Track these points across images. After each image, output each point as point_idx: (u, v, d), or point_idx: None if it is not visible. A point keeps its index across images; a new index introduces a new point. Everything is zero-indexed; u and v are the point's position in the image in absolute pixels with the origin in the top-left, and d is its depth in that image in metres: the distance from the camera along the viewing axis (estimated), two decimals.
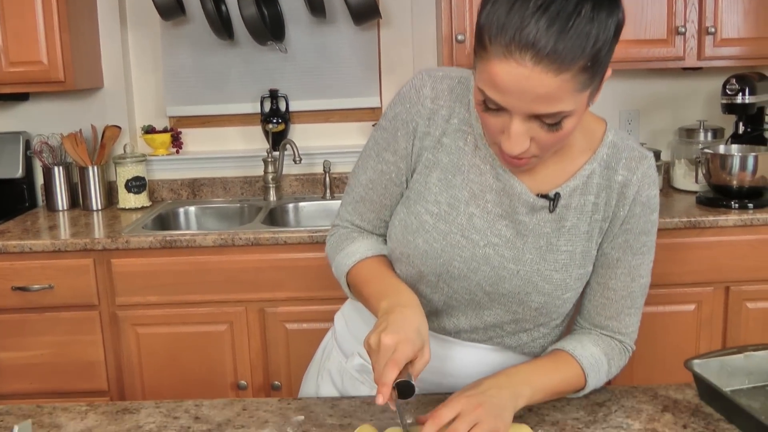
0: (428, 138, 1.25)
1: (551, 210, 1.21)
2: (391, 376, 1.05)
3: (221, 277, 2.60)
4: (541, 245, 1.22)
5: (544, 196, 1.20)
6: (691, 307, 2.65)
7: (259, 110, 3.21)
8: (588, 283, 1.30)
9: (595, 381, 1.26)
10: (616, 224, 1.24)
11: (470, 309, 1.29)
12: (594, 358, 1.25)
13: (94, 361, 2.66)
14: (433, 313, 1.31)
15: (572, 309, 1.32)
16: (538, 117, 1.04)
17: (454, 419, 1.08)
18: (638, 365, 2.60)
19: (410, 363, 1.09)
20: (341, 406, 1.32)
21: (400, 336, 1.07)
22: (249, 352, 2.65)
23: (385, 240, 1.36)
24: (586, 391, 1.27)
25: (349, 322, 1.46)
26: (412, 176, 1.28)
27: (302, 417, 1.28)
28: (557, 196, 1.20)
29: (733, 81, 2.80)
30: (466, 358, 1.33)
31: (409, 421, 1.23)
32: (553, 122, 1.04)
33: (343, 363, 1.46)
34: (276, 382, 2.66)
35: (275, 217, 3.01)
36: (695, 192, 2.87)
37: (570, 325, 1.36)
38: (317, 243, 2.56)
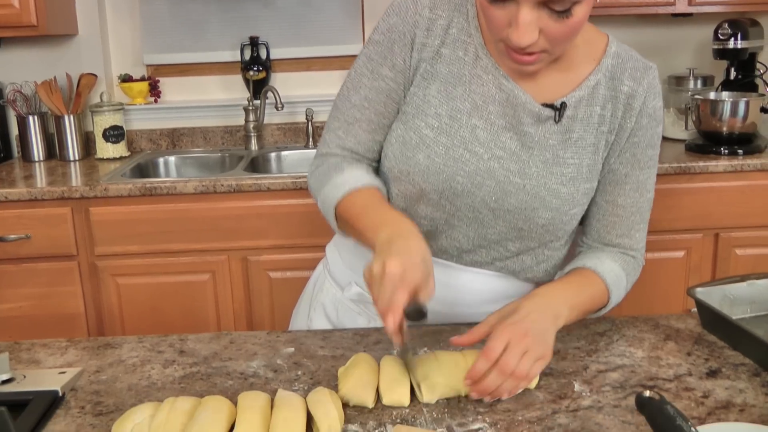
0: (426, 49, 1.19)
1: (557, 120, 1.15)
2: (402, 299, 0.99)
3: (203, 225, 2.53)
4: (548, 158, 1.17)
5: (550, 106, 1.15)
6: (681, 253, 2.63)
7: (239, 58, 3.12)
8: (594, 201, 1.25)
9: (616, 297, 1.23)
10: (623, 137, 1.19)
11: (473, 228, 1.24)
12: (615, 273, 1.22)
13: (74, 314, 2.59)
14: (433, 234, 1.26)
15: (575, 229, 1.28)
16: (546, 4, 0.99)
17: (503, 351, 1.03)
18: (627, 312, 2.57)
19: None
20: (333, 338, 1.27)
21: (406, 262, 1.01)
22: (232, 301, 2.60)
23: (376, 170, 1.30)
24: (608, 308, 1.23)
25: (344, 252, 1.41)
26: (409, 90, 1.22)
27: (292, 349, 1.23)
28: (563, 105, 1.15)
29: (726, 26, 2.75)
30: (470, 285, 1.28)
31: (423, 349, 1.17)
32: (563, 9, 0.99)
33: (338, 294, 1.41)
34: None
35: (257, 166, 2.95)
36: (684, 140, 2.84)
37: (572, 250, 1.32)
38: (301, 189, 2.50)
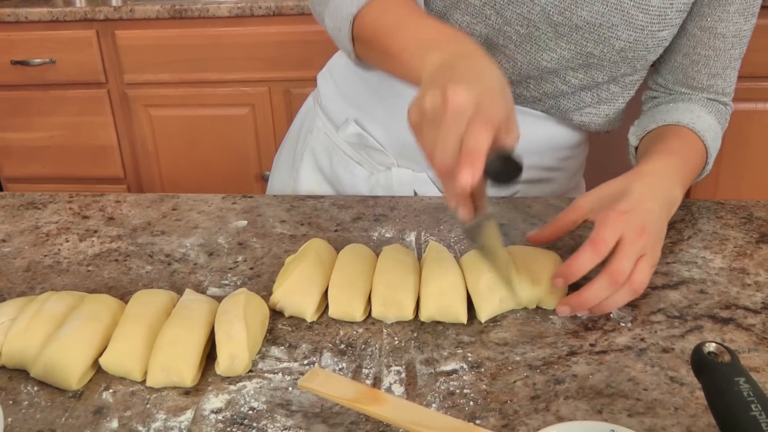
0: None
1: None
2: (486, 140, 0.62)
3: (240, 53, 2.21)
4: None
5: None
6: None
7: None
8: (683, 29, 0.93)
9: (712, 160, 0.94)
10: None
11: (524, 50, 0.92)
12: (713, 131, 0.94)
13: (106, 146, 2.38)
14: None
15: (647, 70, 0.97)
16: None
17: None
18: (724, 174, 2.13)
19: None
20: (303, 208, 0.96)
21: (479, 88, 0.65)
22: (274, 138, 2.31)
23: None
24: (706, 172, 0.94)
25: (340, 79, 1.09)
26: None
27: (245, 222, 0.93)
28: None
29: None
30: None
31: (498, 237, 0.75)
32: None
33: (332, 135, 1.09)
34: None
35: None
36: None
37: (638, 99, 0.99)
38: None
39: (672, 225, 0.88)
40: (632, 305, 0.74)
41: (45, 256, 0.90)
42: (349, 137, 1.06)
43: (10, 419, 0.65)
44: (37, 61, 2.28)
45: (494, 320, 0.73)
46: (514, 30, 0.91)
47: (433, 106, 0.65)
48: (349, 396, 0.57)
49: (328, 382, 0.59)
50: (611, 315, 0.73)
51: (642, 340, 0.69)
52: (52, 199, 1.04)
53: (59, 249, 0.91)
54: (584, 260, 0.71)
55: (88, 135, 2.38)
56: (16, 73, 2.30)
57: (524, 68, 0.94)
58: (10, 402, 0.67)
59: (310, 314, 0.74)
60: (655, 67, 0.99)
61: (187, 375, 0.66)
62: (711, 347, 0.57)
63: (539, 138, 1.01)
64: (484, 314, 0.72)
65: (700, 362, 0.56)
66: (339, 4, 0.88)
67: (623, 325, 0.72)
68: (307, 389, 0.59)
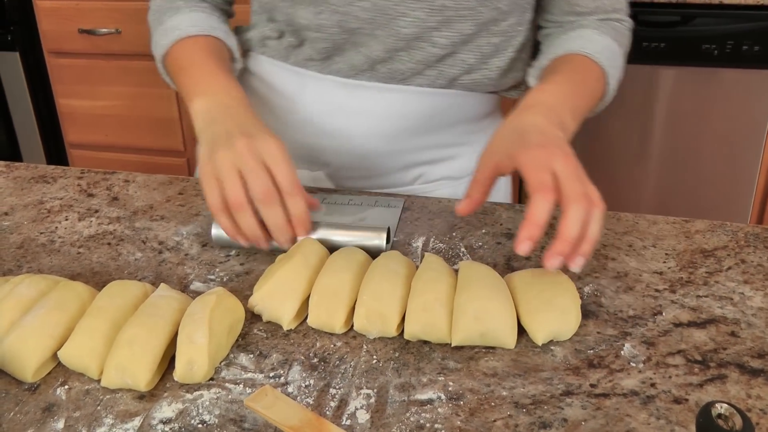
0: None
1: None
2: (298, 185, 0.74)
3: None
4: None
5: None
6: None
7: None
8: None
9: (615, 81, 0.91)
10: None
11: (378, 23, 0.89)
12: (609, 50, 0.90)
13: (168, 118, 2.38)
14: (331, 50, 0.92)
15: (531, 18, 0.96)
16: None
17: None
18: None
19: None
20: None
21: (264, 133, 0.76)
22: None
23: (226, 13, 1.01)
24: (608, 99, 0.91)
25: None
26: None
27: None
28: None
29: None
30: (395, 111, 0.94)
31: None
32: None
33: None
34: None
35: None
36: None
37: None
38: None
39: (711, 252, 0.78)
40: (648, 343, 0.65)
41: (41, 233, 0.86)
42: None
43: None
44: (104, 30, 2.28)
45: (489, 347, 0.65)
46: (359, 7, 0.88)
47: (225, 157, 0.74)
48: (292, 423, 0.51)
49: (275, 404, 0.53)
50: (622, 352, 0.64)
51: (652, 385, 0.61)
52: (63, 174, 1.00)
53: (56, 227, 0.87)
54: (539, 208, 0.66)
55: (151, 106, 2.38)
56: (83, 41, 2.32)
57: (388, 42, 0.90)
58: None
59: (286, 321, 0.67)
60: (540, 3, 0.96)
61: (142, 378, 0.61)
62: (721, 409, 0.48)
63: (433, 113, 0.96)
64: (540, 335, 0.65)
65: (705, 426, 0.48)
66: (156, 42, 0.96)
67: (633, 365, 0.63)
68: (251, 409, 0.53)
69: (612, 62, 0.90)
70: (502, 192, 1.06)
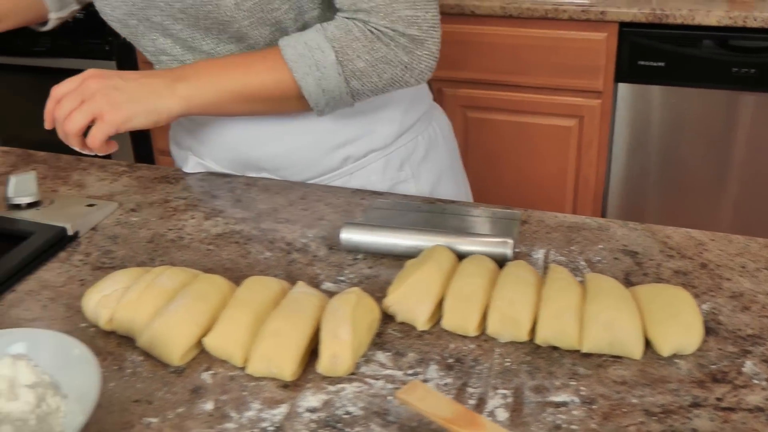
0: None
1: None
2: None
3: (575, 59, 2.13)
4: None
5: None
6: None
7: None
8: None
9: (307, 76, 0.88)
10: None
11: (139, 17, 0.98)
12: (304, 44, 0.88)
13: None
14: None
15: None
16: None
17: None
18: None
19: None
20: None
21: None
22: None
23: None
24: (309, 95, 0.89)
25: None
26: None
27: None
28: None
29: None
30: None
31: None
32: None
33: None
34: None
35: None
36: None
37: None
38: (510, 17, 2.08)
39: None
40: None
41: (169, 230, 0.91)
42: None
43: (113, 384, 0.65)
44: None
45: (615, 356, 0.67)
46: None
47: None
48: (446, 415, 0.53)
49: (427, 397, 0.55)
50: (744, 369, 0.65)
51: None
52: (188, 174, 1.05)
53: (183, 225, 0.92)
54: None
55: None
56: None
57: (159, 35, 1.01)
58: (115, 368, 0.67)
59: (421, 322, 0.70)
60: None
61: (287, 368, 0.64)
62: None
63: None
64: (666, 347, 0.67)
65: None
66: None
67: (756, 382, 0.64)
68: (403, 402, 0.55)
69: (299, 57, 0.88)
70: (463, 192, 1.12)
